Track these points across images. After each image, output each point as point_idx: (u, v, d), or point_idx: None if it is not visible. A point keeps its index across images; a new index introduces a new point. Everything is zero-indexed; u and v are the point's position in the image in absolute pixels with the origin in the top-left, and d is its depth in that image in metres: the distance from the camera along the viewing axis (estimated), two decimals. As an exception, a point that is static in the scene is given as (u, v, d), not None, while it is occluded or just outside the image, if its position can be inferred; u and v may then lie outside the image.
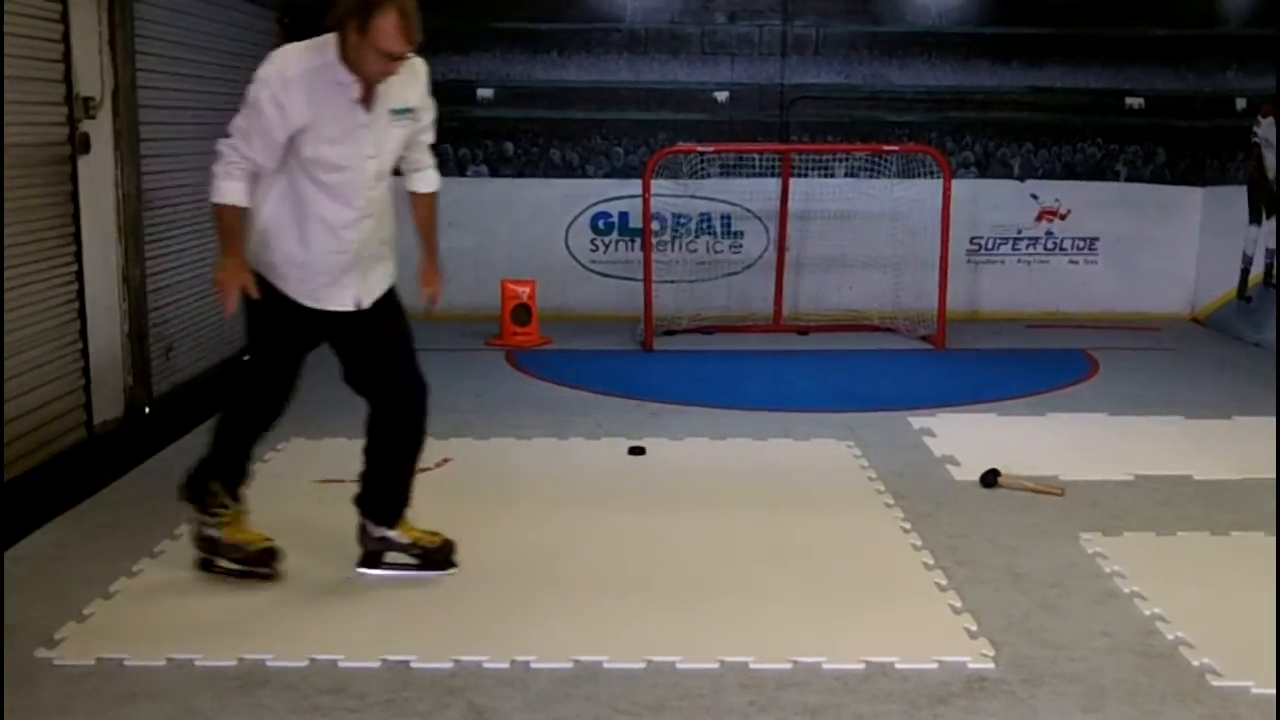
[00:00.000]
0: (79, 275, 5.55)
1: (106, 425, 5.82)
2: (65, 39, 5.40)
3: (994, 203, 9.16)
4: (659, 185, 8.26)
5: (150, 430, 5.87)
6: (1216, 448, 5.67)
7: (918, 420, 6.09)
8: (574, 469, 5.32)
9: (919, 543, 4.38)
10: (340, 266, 3.77)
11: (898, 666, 3.40)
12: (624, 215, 9.02)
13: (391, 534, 4.06)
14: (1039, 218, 9.26)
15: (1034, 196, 9.22)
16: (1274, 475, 5.13)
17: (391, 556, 4.07)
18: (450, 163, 9.00)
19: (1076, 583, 4.04)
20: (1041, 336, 8.60)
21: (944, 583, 4.01)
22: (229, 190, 3.62)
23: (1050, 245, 9.29)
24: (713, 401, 6.53)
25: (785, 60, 8.98)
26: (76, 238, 5.52)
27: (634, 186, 8.44)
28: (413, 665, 3.38)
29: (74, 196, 5.49)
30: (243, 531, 4.00)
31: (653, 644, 3.50)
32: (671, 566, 4.15)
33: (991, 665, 3.43)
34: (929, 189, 8.35)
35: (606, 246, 9.10)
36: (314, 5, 8.71)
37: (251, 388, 4.01)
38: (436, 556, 4.07)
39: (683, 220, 8.99)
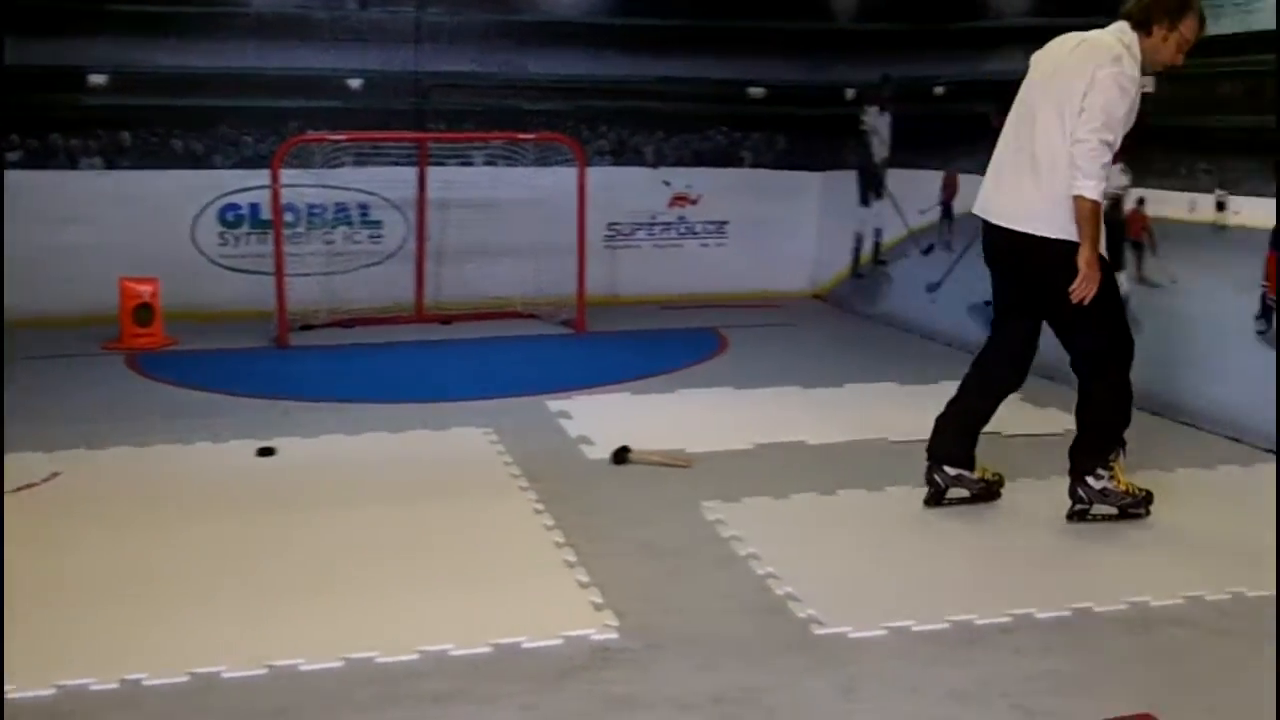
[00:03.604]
0: None
1: None
2: None
3: (629, 189, 9.42)
4: (290, 175, 7.96)
5: None
6: (828, 414, 6.07)
7: (555, 404, 6.19)
8: (197, 475, 5.06)
9: (550, 523, 4.44)
10: None
11: (525, 646, 3.44)
12: (254, 207, 8.65)
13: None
14: (672, 203, 9.62)
15: (666, 183, 9.57)
16: (875, 436, 5.58)
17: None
18: (60, 154, 8.37)
19: (699, 549, 4.23)
20: (676, 317, 8.92)
21: (573, 559, 4.09)
22: (1101, 189, 4.04)
23: (683, 230, 9.67)
24: (350, 396, 6.40)
25: (419, 48, 8.88)
26: None
27: (264, 177, 8.11)
28: (13, 696, 3.11)
29: None
30: (1125, 480, 4.41)
31: (273, 649, 3.38)
32: (295, 568, 4.03)
33: (615, 635, 3.52)
34: (567, 177, 8.48)
35: (237, 240, 8.70)
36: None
37: (1125, 343, 4.32)
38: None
39: (317, 210, 8.72)
